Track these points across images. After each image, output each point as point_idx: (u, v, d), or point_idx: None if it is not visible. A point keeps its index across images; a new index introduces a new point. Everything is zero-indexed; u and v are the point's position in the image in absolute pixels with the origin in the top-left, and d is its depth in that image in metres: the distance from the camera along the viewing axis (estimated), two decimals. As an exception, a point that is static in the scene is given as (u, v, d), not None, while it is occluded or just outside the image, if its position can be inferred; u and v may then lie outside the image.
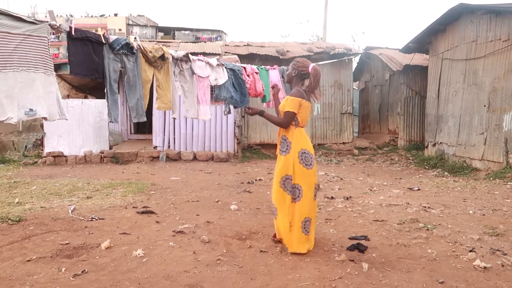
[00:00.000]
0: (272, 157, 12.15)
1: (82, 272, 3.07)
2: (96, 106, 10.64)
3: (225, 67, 5.05)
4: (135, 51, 4.04)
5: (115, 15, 45.11)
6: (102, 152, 10.54)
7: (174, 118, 4.78)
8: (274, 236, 3.78)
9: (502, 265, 3.23)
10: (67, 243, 3.73)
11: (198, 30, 42.53)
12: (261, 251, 3.56)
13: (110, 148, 10.86)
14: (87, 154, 10.44)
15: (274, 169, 3.67)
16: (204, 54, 9.87)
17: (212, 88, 5.16)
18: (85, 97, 12.74)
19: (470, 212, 4.97)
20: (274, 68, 5.66)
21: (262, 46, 13.09)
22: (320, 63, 11.70)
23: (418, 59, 12.32)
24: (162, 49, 4.33)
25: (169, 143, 10.95)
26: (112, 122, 3.93)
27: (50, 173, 8.62)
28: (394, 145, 13.33)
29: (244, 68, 5.22)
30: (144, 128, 13.82)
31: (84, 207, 5.22)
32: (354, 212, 4.96)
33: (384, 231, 4.13)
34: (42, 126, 10.79)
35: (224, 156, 10.81)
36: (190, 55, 4.60)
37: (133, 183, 7.12)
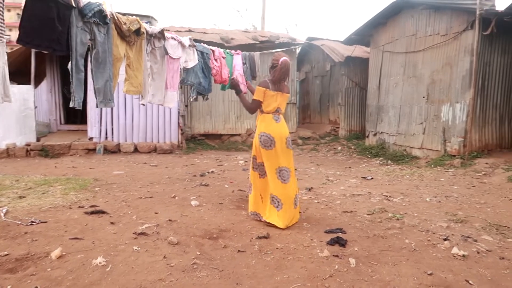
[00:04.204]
0: (217, 148, 11.80)
1: (34, 290, 2.56)
2: (20, 93, 9.44)
3: (196, 49, 4.55)
4: (108, 21, 3.40)
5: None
6: (28, 145, 9.41)
7: (143, 105, 4.21)
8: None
9: (478, 252, 3.30)
10: (6, 254, 3.12)
11: (124, 15, 40.07)
12: (238, 251, 3.28)
13: (38, 140, 9.75)
14: (10, 147, 9.25)
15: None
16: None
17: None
18: (5, 83, 11.28)
19: (427, 199, 5.12)
20: (238, 53, 5.30)
21: (204, 33, 12.57)
22: (265, 52, 11.48)
23: (359, 51, 12.67)
24: (138, 21, 3.70)
25: (106, 134, 10.12)
26: (76, 107, 3.26)
27: (-33, 170, 7.47)
28: (335, 135, 13.66)
29: (213, 51, 4.77)
30: (75, 118, 12.65)
31: (18, 208, 4.50)
32: (321, 204, 4.86)
33: (357, 223, 4.06)
34: (-48, 115, 9.32)
35: (168, 147, 10.25)
36: (165, 32, 4.03)
37: (72, 179, 6.38)
